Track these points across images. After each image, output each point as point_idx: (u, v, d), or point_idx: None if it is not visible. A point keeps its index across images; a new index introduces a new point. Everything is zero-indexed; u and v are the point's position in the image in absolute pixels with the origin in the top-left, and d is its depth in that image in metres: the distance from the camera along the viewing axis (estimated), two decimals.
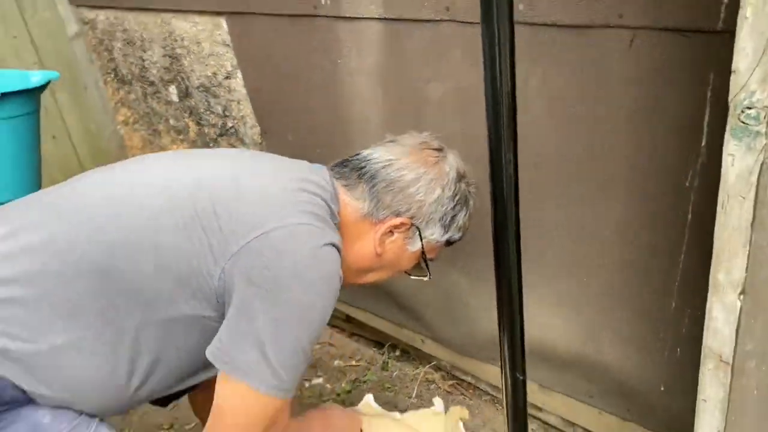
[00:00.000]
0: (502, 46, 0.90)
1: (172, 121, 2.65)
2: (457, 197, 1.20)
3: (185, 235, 1.00)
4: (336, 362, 2.36)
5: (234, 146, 2.37)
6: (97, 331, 1.00)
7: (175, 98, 2.53)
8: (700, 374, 0.99)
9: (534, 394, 1.83)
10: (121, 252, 0.99)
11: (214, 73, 2.25)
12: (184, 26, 2.25)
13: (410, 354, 2.28)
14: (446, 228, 1.21)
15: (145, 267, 0.99)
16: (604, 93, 1.28)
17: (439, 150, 1.23)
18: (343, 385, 2.22)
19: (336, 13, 1.69)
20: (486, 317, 1.81)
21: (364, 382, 2.23)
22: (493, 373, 1.96)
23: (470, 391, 2.10)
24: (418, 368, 2.21)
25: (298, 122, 2.01)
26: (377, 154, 1.20)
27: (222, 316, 1.02)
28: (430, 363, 2.19)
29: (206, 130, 2.47)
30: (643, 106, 1.24)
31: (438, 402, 1.58)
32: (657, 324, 1.41)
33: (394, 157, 1.19)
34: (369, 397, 1.57)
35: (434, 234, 1.21)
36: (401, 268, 1.27)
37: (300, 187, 1.09)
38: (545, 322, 1.65)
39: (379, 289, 2.15)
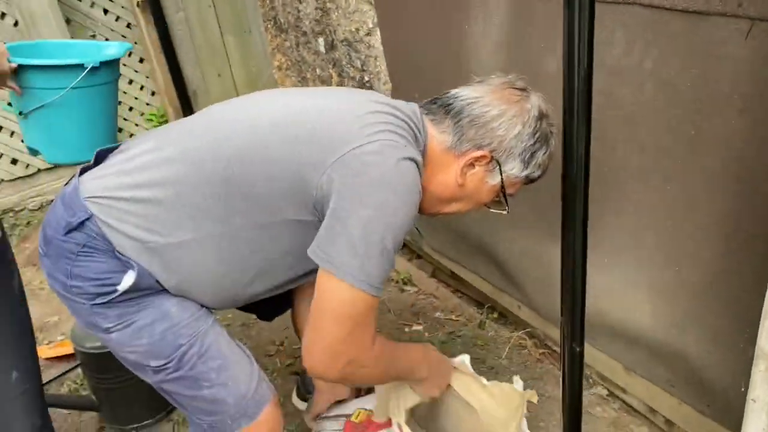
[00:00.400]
0: (581, 30, 0.93)
1: (318, 71, 2.84)
2: (537, 134, 1.25)
3: (289, 149, 1.16)
4: (437, 314, 2.49)
5: None
6: (218, 230, 1.19)
7: (322, 49, 2.72)
8: (752, 374, 1.00)
9: (618, 374, 1.85)
10: (236, 164, 1.17)
11: (357, 29, 2.39)
12: None
13: (507, 318, 2.35)
14: (526, 164, 1.27)
15: (255, 177, 1.17)
16: (717, 81, 1.26)
17: (523, 90, 1.29)
18: (439, 335, 2.35)
19: None
20: None
21: (459, 336, 2.34)
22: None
23: (558, 363, 2.14)
24: (512, 332, 2.28)
25: (425, 81, 2.11)
26: (464, 93, 1.29)
27: (319, 221, 1.17)
28: (524, 329, 2.25)
29: (346, 82, 2.64)
30: (757, 96, 1.21)
31: (517, 381, 1.62)
32: (744, 322, 1.38)
33: (479, 95, 1.26)
34: (465, 357, 1.65)
35: (514, 169, 1.27)
36: (481, 201, 1.34)
37: (389, 112, 1.21)
38: (634, 305, 1.65)
39: (484, 252, 2.23)
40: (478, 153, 1.24)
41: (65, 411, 2.11)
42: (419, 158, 1.19)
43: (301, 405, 2.06)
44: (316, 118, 1.19)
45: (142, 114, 3.79)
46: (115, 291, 1.20)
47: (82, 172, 1.29)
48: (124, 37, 3.58)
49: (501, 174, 1.26)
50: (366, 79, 2.48)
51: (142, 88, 3.75)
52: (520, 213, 1.98)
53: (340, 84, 2.69)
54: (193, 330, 1.25)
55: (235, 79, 3.87)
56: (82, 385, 2.20)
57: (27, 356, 1.30)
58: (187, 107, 3.68)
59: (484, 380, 1.58)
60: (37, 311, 2.59)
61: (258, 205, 1.18)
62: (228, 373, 1.26)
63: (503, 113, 1.23)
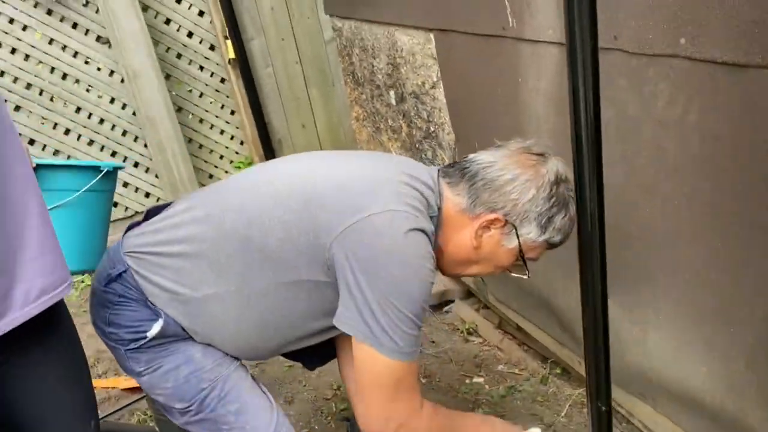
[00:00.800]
0: (586, 77, 0.94)
1: (390, 122, 2.94)
2: (553, 199, 1.26)
3: (306, 213, 1.22)
4: (500, 366, 2.45)
5: (434, 150, 2.58)
6: (237, 287, 1.27)
7: (393, 101, 2.82)
8: None
9: None
10: (255, 225, 1.25)
11: (423, 83, 2.47)
12: (404, 39, 2.50)
13: (570, 374, 2.27)
14: (543, 228, 1.27)
15: (272, 238, 1.24)
16: (759, 135, 1.21)
17: (540, 154, 1.30)
18: (500, 389, 2.30)
19: (520, 35, 1.78)
20: (637, 351, 1.77)
21: (520, 390, 2.29)
22: (644, 412, 1.89)
23: (623, 423, 2.04)
24: (574, 389, 2.21)
25: (485, 132, 2.14)
26: (481, 157, 1.32)
27: (335, 283, 1.22)
28: (580, 386, 2.17)
29: (414, 132, 2.71)
30: None
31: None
32: None
33: (495, 159, 1.29)
34: (537, 430, 1.61)
35: (531, 233, 1.27)
36: (500, 264, 1.35)
37: (405, 181, 1.26)
38: (688, 365, 1.57)
39: (545, 304, 2.19)
40: (492, 216, 1.26)
41: None
42: (429, 227, 1.22)
43: None
44: (336, 184, 1.26)
45: (231, 162, 4.03)
46: (145, 337, 1.31)
47: (129, 229, 1.42)
48: (218, 91, 3.86)
49: (518, 238, 1.26)
50: (431, 129, 2.54)
51: (232, 138, 4.00)
52: (575, 264, 1.95)
53: (409, 134, 2.77)
54: (215, 375, 1.33)
55: (318, 129, 4.06)
56: (150, 416, 2.33)
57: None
58: (271, 155, 3.89)
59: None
60: None
61: (275, 265, 1.25)
62: (246, 416, 1.33)
63: (516, 177, 1.25)
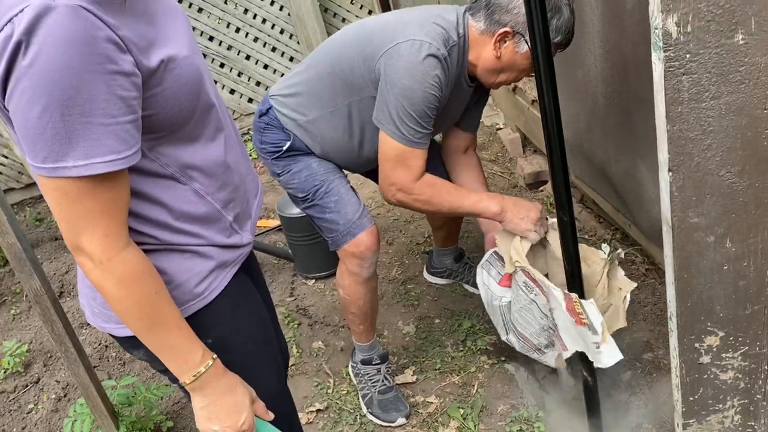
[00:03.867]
0: None
1: None
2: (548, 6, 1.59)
3: (364, 48, 1.75)
4: None
5: None
6: (334, 108, 1.85)
7: None
8: None
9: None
10: (337, 64, 1.82)
11: None
12: None
13: (628, 237, 2.61)
14: None
15: (347, 69, 1.79)
16: None
17: None
18: None
19: None
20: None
21: None
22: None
23: (663, 277, 2.38)
24: (627, 248, 2.55)
25: None
26: None
27: None
28: (635, 246, 2.50)
29: None
30: None
31: (605, 248, 1.83)
32: None
33: None
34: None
35: None
36: (522, 67, 1.76)
37: (432, 21, 1.71)
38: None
39: (606, 176, 2.52)
40: (503, 30, 1.69)
41: (273, 259, 2.99)
42: (444, 53, 1.68)
43: (431, 278, 2.64)
44: (382, 26, 1.78)
45: None
46: (281, 150, 1.95)
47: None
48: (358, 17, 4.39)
49: (527, 43, 1.66)
50: None
51: None
52: (620, 135, 2.26)
53: None
54: (325, 177, 1.94)
55: None
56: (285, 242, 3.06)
57: None
58: None
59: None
60: (272, 199, 3.55)
61: (351, 88, 1.81)
62: (341, 204, 1.91)
63: None
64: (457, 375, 2.16)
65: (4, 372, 2.62)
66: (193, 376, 1.06)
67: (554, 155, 1.49)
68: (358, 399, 2.14)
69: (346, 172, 2.06)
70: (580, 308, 1.64)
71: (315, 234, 2.59)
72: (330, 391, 2.22)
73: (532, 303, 1.75)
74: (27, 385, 2.57)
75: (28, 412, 2.44)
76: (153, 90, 0.95)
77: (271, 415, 1.20)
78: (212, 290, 1.16)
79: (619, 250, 1.81)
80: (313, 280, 2.84)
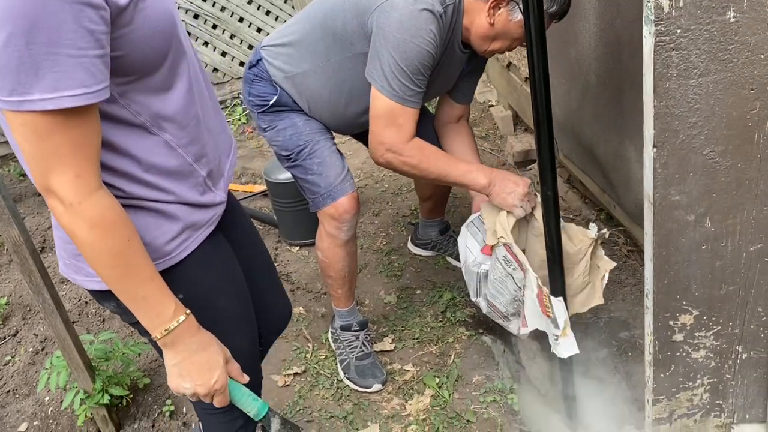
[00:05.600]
0: None
1: None
2: None
3: (356, 3, 1.71)
4: None
5: None
6: (323, 62, 1.82)
7: None
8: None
9: None
10: (329, 17, 1.78)
11: None
12: None
13: (613, 218, 2.63)
14: None
15: (339, 23, 1.76)
16: None
17: None
18: None
19: None
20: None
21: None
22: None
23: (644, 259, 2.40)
24: (611, 229, 2.57)
25: None
26: None
27: None
28: (619, 227, 2.52)
29: None
30: None
31: (593, 227, 1.83)
32: None
33: None
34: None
35: None
36: (514, 36, 1.72)
37: None
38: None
39: (593, 155, 2.52)
40: None
41: (257, 225, 2.99)
42: (440, 10, 1.64)
43: (415, 249, 2.65)
44: None
45: None
46: (268, 104, 1.92)
47: None
48: None
49: (521, 10, 1.63)
50: None
51: None
52: (611, 114, 2.26)
53: None
54: (309, 138, 1.92)
55: None
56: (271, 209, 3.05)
57: None
58: None
59: (563, 223, 1.80)
60: (259, 165, 3.53)
61: (343, 43, 1.78)
62: (324, 168, 1.91)
63: None
64: (435, 345, 2.17)
65: None
66: (165, 330, 1.05)
67: (541, 129, 1.49)
68: (336, 364, 2.15)
69: (336, 135, 2.05)
70: (548, 303, 1.66)
71: (301, 200, 2.58)
72: (308, 355, 2.23)
73: (509, 276, 1.76)
74: (5, 338, 2.57)
75: (4, 364, 2.44)
76: (122, 30, 0.93)
77: (246, 378, 1.20)
78: (183, 249, 1.15)
79: (605, 230, 1.82)
80: (297, 247, 2.84)
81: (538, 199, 1.82)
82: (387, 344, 2.20)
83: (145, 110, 1.03)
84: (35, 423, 2.13)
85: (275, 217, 2.87)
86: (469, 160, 1.92)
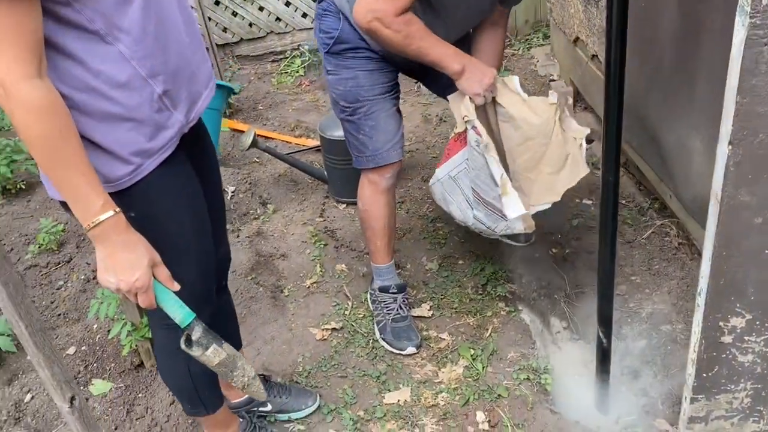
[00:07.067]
0: None
1: None
2: None
3: None
4: None
5: None
6: None
7: None
8: None
9: None
10: None
11: None
12: None
13: (667, 209, 2.56)
14: None
15: None
16: None
17: None
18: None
19: None
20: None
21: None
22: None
23: (696, 255, 2.34)
24: (663, 219, 2.51)
25: None
26: None
27: None
28: (673, 218, 2.46)
29: None
30: None
31: (552, 94, 1.90)
32: None
33: None
34: (515, 77, 1.93)
35: None
36: None
37: None
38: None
39: (655, 141, 2.45)
40: None
41: (307, 178, 3.01)
42: None
43: None
44: None
45: None
46: (333, 40, 1.90)
47: None
48: None
49: None
50: None
51: None
52: (680, 102, 2.18)
53: None
54: (370, 96, 1.92)
55: None
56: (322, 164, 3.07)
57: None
58: None
59: (525, 95, 1.91)
60: (314, 119, 3.55)
61: None
62: (375, 132, 1.92)
63: None
64: (473, 317, 2.18)
65: (39, 247, 2.72)
66: (92, 223, 1.11)
67: (611, 112, 1.46)
68: (373, 324, 2.18)
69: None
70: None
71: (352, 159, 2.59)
72: (347, 312, 2.27)
73: (482, 157, 1.80)
74: (59, 263, 2.67)
75: (57, 288, 2.55)
76: None
77: (176, 286, 1.24)
78: (140, 171, 1.19)
79: (567, 97, 1.88)
80: (344, 205, 2.86)
81: (499, 83, 1.90)
82: (425, 310, 2.22)
83: (100, 18, 1.06)
84: (83, 348, 2.23)
85: (326, 172, 2.88)
86: (449, 45, 1.83)
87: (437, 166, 2.01)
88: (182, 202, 1.32)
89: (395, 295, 2.16)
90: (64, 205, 1.21)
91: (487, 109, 1.92)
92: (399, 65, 1.98)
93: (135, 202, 1.20)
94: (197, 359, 1.28)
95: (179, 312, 1.25)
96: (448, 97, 1.92)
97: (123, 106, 1.14)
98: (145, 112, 1.17)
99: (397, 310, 2.14)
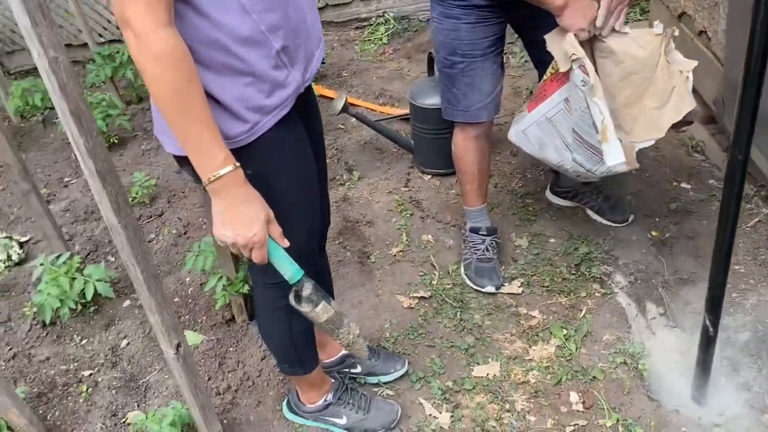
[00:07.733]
0: None
1: None
2: None
3: None
4: (710, 181, 2.62)
5: None
6: None
7: None
8: None
9: None
10: None
11: None
12: None
13: None
14: None
15: None
16: None
17: None
18: (701, 196, 2.53)
19: None
20: None
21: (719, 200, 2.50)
22: None
23: None
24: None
25: None
26: None
27: None
28: None
29: None
30: None
31: (657, 25, 1.81)
32: None
33: None
34: None
35: None
36: None
37: None
38: None
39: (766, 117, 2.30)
40: None
41: (393, 147, 2.98)
42: None
43: (553, 198, 2.56)
44: None
45: None
46: None
47: None
48: None
49: None
50: None
51: None
52: None
53: None
54: (470, 51, 1.90)
55: None
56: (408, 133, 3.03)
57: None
58: None
59: (627, 28, 1.82)
60: (398, 87, 3.51)
61: None
62: (470, 90, 1.92)
63: None
64: (566, 297, 2.12)
65: (132, 201, 2.79)
66: (213, 176, 1.11)
67: (749, 83, 1.36)
68: (461, 268, 2.25)
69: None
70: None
71: (441, 129, 2.54)
72: (434, 283, 2.25)
73: (587, 101, 1.75)
74: (151, 216, 2.75)
75: (149, 242, 2.62)
76: None
77: (287, 243, 1.23)
78: (258, 129, 1.19)
79: (674, 27, 1.78)
80: (430, 176, 2.82)
81: (599, 22, 1.78)
82: (515, 287, 2.18)
83: None
84: (176, 300, 2.29)
85: (412, 141, 2.85)
86: None
87: (529, 109, 1.97)
88: (295, 161, 1.32)
89: (484, 237, 2.22)
90: (179, 159, 1.22)
91: (585, 46, 1.83)
92: (507, 12, 1.92)
93: (251, 160, 1.20)
94: (305, 315, 1.29)
95: (290, 268, 1.25)
96: (545, 36, 1.84)
97: (243, 60, 1.13)
98: (264, 67, 1.16)
99: (484, 251, 2.20)
